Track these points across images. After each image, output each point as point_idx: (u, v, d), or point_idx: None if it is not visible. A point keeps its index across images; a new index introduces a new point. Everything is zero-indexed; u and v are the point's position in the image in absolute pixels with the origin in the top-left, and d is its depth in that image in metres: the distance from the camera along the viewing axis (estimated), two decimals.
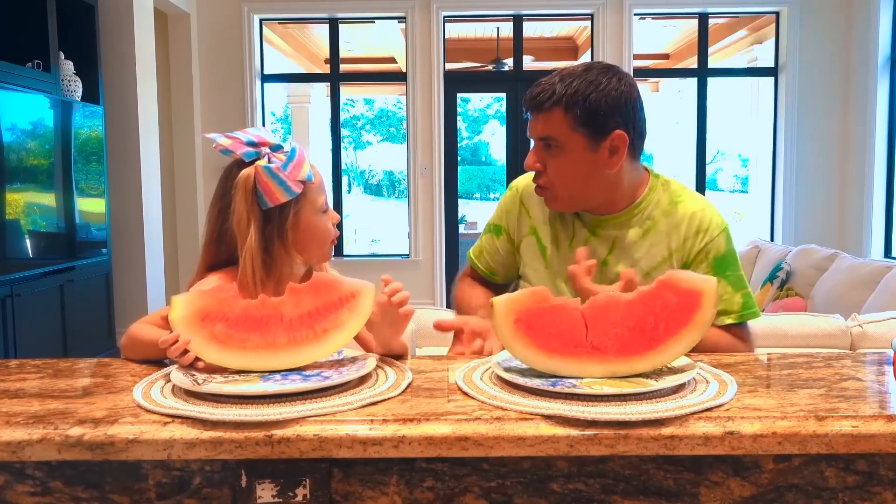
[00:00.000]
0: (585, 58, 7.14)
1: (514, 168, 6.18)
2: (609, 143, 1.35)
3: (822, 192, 5.90)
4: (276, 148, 1.26)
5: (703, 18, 6.04)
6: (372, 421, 0.82)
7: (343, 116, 7.49)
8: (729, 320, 1.39)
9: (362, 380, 0.97)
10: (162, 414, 0.84)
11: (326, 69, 7.18)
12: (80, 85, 4.24)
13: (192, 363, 0.99)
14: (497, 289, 1.59)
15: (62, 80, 4.12)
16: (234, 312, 1.00)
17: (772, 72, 6.06)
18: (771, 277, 4.40)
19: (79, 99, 4.23)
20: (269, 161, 1.24)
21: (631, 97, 1.38)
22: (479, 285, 1.61)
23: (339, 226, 1.38)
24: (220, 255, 1.29)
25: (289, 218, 1.26)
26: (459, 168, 6.29)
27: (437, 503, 0.84)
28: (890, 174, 5.42)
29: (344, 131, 8.50)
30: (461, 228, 7.32)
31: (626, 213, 1.43)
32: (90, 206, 4.30)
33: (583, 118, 1.34)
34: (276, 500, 0.83)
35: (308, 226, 1.28)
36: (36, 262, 3.82)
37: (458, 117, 6.24)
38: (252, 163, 1.24)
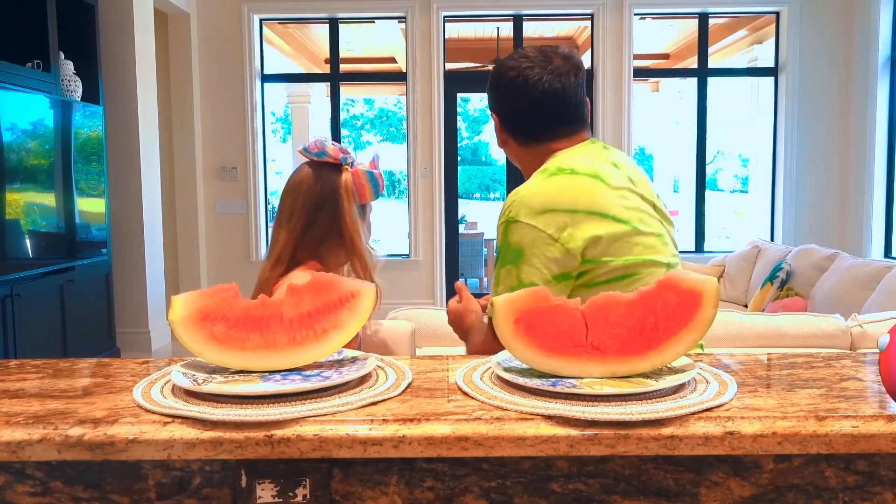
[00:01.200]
0: (586, 58, 7.14)
1: (514, 168, 6.16)
2: (494, 122, 1.46)
3: (822, 192, 5.90)
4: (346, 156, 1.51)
5: (703, 18, 6.04)
6: (372, 421, 0.82)
7: (343, 116, 7.49)
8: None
9: (362, 380, 0.97)
10: (162, 414, 0.84)
11: (326, 69, 7.19)
12: (80, 85, 4.24)
13: None
14: None
15: (62, 80, 4.13)
16: (234, 312, 1.00)
17: (772, 72, 6.06)
18: (771, 277, 4.40)
19: (79, 99, 4.23)
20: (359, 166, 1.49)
21: (502, 81, 1.39)
22: None
23: None
24: (307, 251, 1.46)
25: (367, 215, 1.51)
26: (459, 168, 6.29)
27: (437, 503, 0.84)
28: (890, 174, 5.42)
29: (344, 131, 8.50)
30: (461, 228, 7.33)
31: None
32: (90, 206, 4.30)
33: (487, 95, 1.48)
34: (276, 500, 0.83)
35: (368, 225, 1.53)
36: (36, 262, 3.82)
37: (458, 117, 6.23)
38: (342, 166, 1.47)
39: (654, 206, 1.39)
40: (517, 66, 1.37)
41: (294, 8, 6.03)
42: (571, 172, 1.33)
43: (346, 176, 1.45)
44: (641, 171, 1.45)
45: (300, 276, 1.38)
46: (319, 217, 1.44)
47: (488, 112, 1.49)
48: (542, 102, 1.36)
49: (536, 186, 1.33)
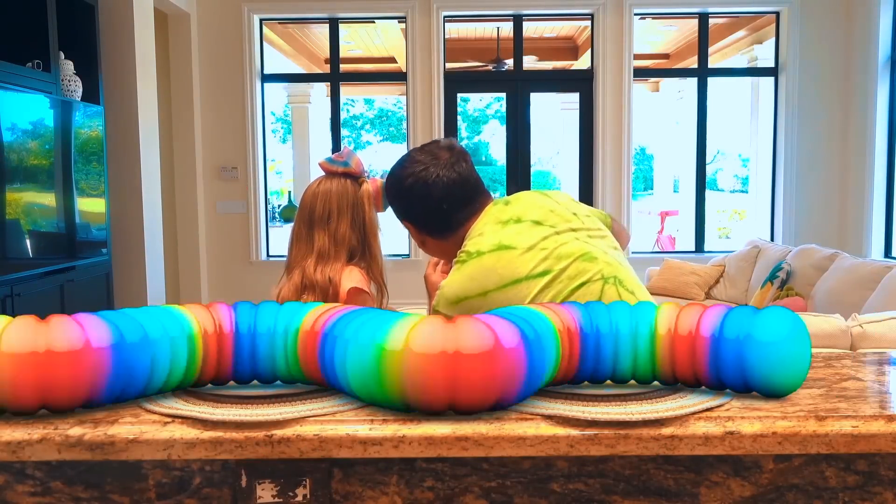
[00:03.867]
0: (585, 58, 7.15)
1: (514, 168, 6.18)
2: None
3: (822, 192, 5.90)
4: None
5: (703, 18, 6.04)
6: (372, 421, 0.82)
7: (343, 116, 7.50)
8: None
9: None
10: (162, 414, 0.84)
11: (326, 69, 7.19)
12: (80, 85, 4.24)
13: None
14: None
15: (62, 80, 4.12)
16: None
17: (772, 72, 6.06)
18: (771, 277, 4.40)
19: (79, 99, 4.23)
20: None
21: (403, 190, 1.48)
22: None
23: None
24: (343, 249, 1.69)
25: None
26: None
27: (437, 503, 0.84)
28: (890, 174, 5.42)
29: (344, 131, 8.51)
30: None
31: None
32: (90, 206, 4.30)
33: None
34: (276, 500, 0.83)
35: None
36: (36, 262, 3.82)
37: (458, 117, 6.23)
38: (360, 178, 1.70)
39: (573, 229, 1.41)
40: (412, 171, 1.46)
41: (294, 8, 6.02)
42: (478, 254, 1.39)
43: (366, 186, 1.69)
44: (548, 197, 1.48)
45: (347, 273, 1.65)
46: (352, 220, 1.68)
47: (401, 222, 1.57)
48: (446, 196, 1.46)
49: (451, 279, 1.41)
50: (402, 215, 1.54)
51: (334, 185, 1.70)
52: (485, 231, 1.43)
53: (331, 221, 1.68)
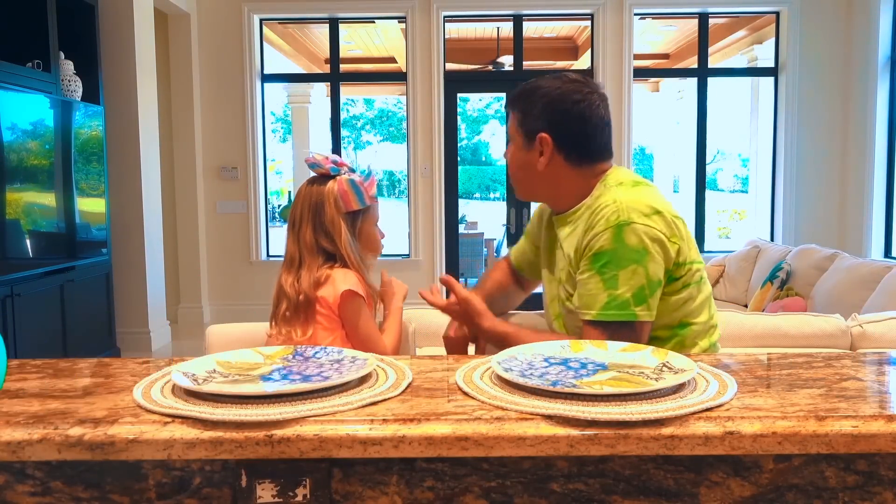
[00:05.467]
0: (585, 58, 7.15)
1: None
2: (538, 143, 1.46)
3: (822, 192, 5.90)
4: (352, 170, 1.66)
5: (703, 18, 6.04)
6: (372, 421, 0.82)
7: (343, 116, 7.49)
8: (587, 317, 1.37)
9: (362, 380, 0.97)
10: (162, 414, 0.84)
11: (326, 69, 7.18)
12: (80, 85, 4.24)
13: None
14: (523, 282, 1.79)
15: (62, 80, 4.12)
16: None
17: (772, 72, 6.06)
18: (771, 277, 4.40)
19: (79, 99, 4.23)
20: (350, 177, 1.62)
21: (564, 105, 1.44)
22: (507, 271, 1.79)
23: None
24: (309, 253, 1.62)
25: (357, 224, 1.63)
26: (459, 168, 6.28)
27: (437, 503, 0.84)
28: (890, 174, 5.42)
29: (344, 131, 8.50)
30: (461, 228, 7.32)
31: (568, 214, 1.49)
32: (90, 206, 4.30)
33: (520, 117, 1.49)
34: (276, 500, 0.83)
35: (367, 234, 1.66)
36: (36, 262, 3.82)
37: (458, 117, 6.23)
38: (334, 177, 1.62)
39: None
40: (580, 90, 1.44)
41: (294, 8, 6.02)
42: (647, 185, 1.45)
43: (331, 185, 1.62)
44: None
45: (342, 275, 1.58)
46: (314, 224, 1.61)
47: (536, 135, 1.46)
48: (599, 127, 1.46)
49: (633, 193, 1.39)
50: (546, 126, 1.45)
51: (304, 187, 1.66)
52: (633, 174, 1.50)
53: (295, 225, 1.64)
